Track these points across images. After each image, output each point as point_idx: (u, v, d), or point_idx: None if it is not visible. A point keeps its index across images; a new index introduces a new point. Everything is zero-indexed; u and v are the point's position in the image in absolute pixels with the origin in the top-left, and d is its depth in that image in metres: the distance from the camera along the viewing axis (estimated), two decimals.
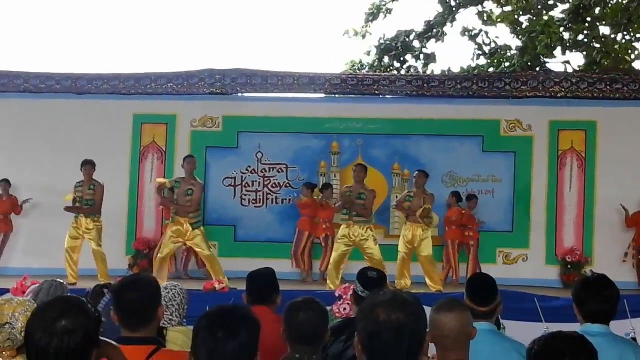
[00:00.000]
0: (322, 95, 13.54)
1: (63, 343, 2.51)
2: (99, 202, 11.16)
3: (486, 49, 19.23)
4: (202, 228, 10.73)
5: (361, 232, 10.54)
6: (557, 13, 18.38)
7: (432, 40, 18.97)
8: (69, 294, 4.29)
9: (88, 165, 11.12)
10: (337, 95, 13.73)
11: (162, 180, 11.22)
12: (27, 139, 12.94)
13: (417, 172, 11.21)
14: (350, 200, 10.58)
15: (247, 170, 13.05)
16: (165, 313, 3.99)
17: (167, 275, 10.71)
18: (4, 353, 3.16)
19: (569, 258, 12.34)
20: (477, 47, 19.17)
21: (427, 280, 10.85)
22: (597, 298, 3.84)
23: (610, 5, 17.64)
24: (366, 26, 19.22)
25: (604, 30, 18.08)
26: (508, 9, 19.05)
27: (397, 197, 12.20)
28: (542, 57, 17.98)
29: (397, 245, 10.94)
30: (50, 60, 32.72)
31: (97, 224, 11.05)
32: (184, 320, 4.50)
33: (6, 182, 12.55)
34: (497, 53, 19.06)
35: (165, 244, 10.63)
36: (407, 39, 18.87)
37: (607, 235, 12.36)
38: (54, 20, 33.08)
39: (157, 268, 10.61)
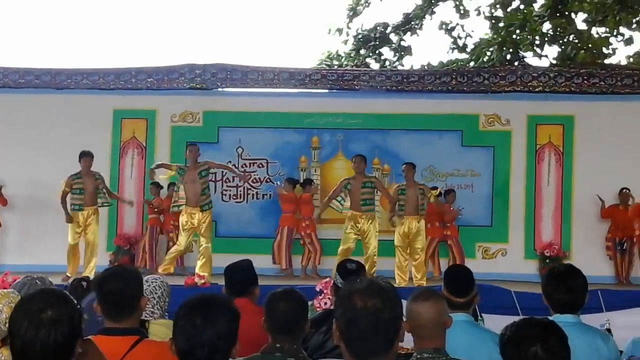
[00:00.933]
0: (303, 90, 13.56)
1: (50, 334, 2.55)
2: (109, 190, 11.25)
3: (461, 42, 19.37)
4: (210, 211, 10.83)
5: (367, 224, 10.79)
6: (536, 8, 18.54)
7: (409, 34, 19.11)
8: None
9: (87, 157, 10.98)
10: (316, 90, 13.75)
11: (164, 169, 11.17)
12: (7, 133, 12.88)
13: (405, 165, 11.30)
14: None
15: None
16: (147, 306, 4.02)
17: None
18: None
19: (547, 252, 12.42)
20: (452, 40, 19.31)
21: (414, 273, 10.94)
22: (564, 288, 3.89)
23: (587, 0, 17.80)
24: (348, 22, 19.34)
25: (581, 25, 18.24)
26: (485, 2, 19.20)
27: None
28: (520, 51, 18.13)
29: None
30: (29, 55, 32.50)
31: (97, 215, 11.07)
32: (166, 314, 4.52)
33: None
34: (477, 47, 19.19)
35: (181, 236, 10.79)
36: (384, 31, 18.97)
37: (585, 229, 12.46)
38: (33, 15, 32.86)
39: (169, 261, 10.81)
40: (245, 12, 34.45)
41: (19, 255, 12.27)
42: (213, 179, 12.92)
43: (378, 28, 18.95)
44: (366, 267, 10.45)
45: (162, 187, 12.50)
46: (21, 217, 12.71)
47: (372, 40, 18.85)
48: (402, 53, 19.03)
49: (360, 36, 19.07)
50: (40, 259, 11.66)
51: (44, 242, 12.27)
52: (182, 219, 10.73)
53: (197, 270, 10.40)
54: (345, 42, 19.46)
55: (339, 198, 11.10)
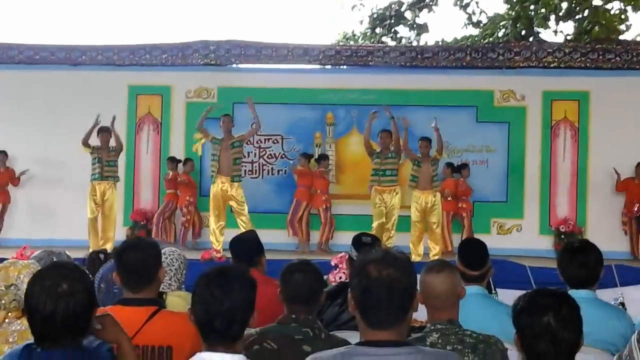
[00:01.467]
0: (317, 66, 13.55)
1: (69, 306, 2.61)
2: (120, 145, 11.22)
3: (475, 18, 19.23)
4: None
5: (390, 198, 10.85)
6: None
7: (425, 11, 18.99)
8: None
9: (105, 133, 11.01)
10: (331, 67, 13.74)
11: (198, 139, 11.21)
12: (22, 110, 12.96)
13: (421, 140, 11.27)
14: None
15: None
16: (164, 277, 4.06)
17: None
18: (9, 314, 3.25)
19: (562, 228, 12.44)
20: (467, 16, 19.18)
21: (431, 245, 10.97)
22: (579, 263, 3.93)
23: None
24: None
25: (596, 0, 18.08)
26: None
27: None
28: (534, 27, 17.99)
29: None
30: (44, 32, 32.54)
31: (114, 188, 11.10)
32: (183, 286, 4.57)
33: (3, 154, 12.62)
34: (491, 23, 19.05)
35: (213, 208, 10.79)
36: (399, 9, 18.86)
37: (601, 204, 12.45)
38: None
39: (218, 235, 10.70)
40: None
41: (34, 230, 12.33)
42: None
43: (393, 6, 18.84)
44: (382, 238, 10.58)
45: (179, 161, 12.58)
46: (36, 192, 12.82)
47: (387, 18, 18.73)
48: (419, 31, 18.91)
49: (375, 15, 18.95)
50: (55, 233, 11.74)
51: (58, 217, 12.39)
52: (213, 188, 10.76)
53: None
54: (361, 22, 19.35)
55: None
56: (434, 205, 10.98)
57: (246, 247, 5.00)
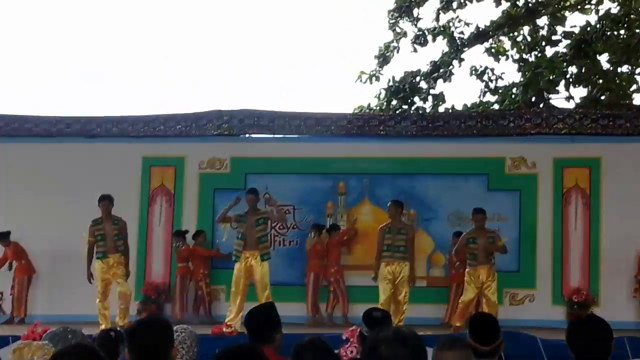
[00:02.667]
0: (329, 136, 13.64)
1: None
2: (126, 239, 10.99)
3: (492, 85, 19.47)
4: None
5: (399, 270, 10.61)
6: (560, 48, 18.63)
7: (440, 80, 19.21)
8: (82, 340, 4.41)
9: (106, 201, 10.87)
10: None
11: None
12: (37, 183, 13.00)
13: (475, 212, 11.05)
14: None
15: None
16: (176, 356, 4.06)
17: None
18: None
19: (575, 298, 12.21)
20: (484, 84, 19.41)
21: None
22: (588, 339, 3.86)
23: (611, 40, 17.84)
24: (379, 70, 19.48)
25: (605, 64, 18.29)
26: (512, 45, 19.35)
27: None
28: (545, 93, 18.16)
29: None
30: (59, 105, 33.04)
31: (123, 262, 10.87)
32: None
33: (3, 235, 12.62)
34: (503, 89, 19.27)
35: (237, 287, 10.58)
36: (414, 80, 19.08)
37: (614, 273, 12.29)
38: (64, 64, 33.48)
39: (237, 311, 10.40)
40: (276, 61, 34.75)
41: (48, 306, 12.32)
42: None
43: (407, 78, 19.08)
44: (398, 313, 10.47)
45: (186, 232, 12.63)
46: (51, 267, 12.78)
47: (402, 91, 18.96)
48: (436, 101, 19.11)
49: (391, 87, 19.18)
50: (69, 309, 11.67)
51: (72, 292, 12.26)
52: (239, 264, 10.56)
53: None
54: (378, 95, 19.53)
55: None
56: (488, 279, 10.84)
57: (262, 322, 4.83)
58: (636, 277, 12.17)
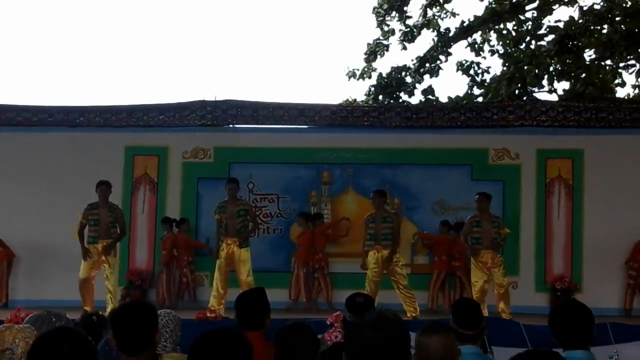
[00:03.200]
0: (312, 126, 13.66)
1: None
2: (122, 226, 10.86)
3: (479, 79, 19.56)
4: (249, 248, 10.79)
5: (386, 255, 10.59)
6: (544, 43, 18.70)
7: (427, 76, 19.27)
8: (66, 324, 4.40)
9: (103, 186, 10.69)
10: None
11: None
12: (20, 172, 12.99)
13: (478, 196, 10.98)
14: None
15: None
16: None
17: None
18: None
19: (558, 285, 12.41)
20: (470, 79, 19.49)
21: (501, 307, 10.65)
22: (570, 324, 3.90)
23: (595, 35, 17.95)
24: (368, 67, 19.54)
25: (589, 58, 18.39)
26: (496, 40, 19.43)
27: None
28: (528, 87, 18.26)
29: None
30: (42, 94, 32.84)
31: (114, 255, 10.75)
32: (178, 347, 4.57)
33: None
34: (489, 83, 19.36)
35: (220, 274, 10.66)
36: (400, 76, 19.14)
37: (596, 261, 12.44)
38: (46, 53, 33.25)
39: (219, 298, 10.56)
40: (265, 53, 34.68)
41: (30, 291, 12.30)
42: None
43: (394, 73, 19.12)
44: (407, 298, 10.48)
45: (174, 221, 12.64)
46: (32, 254, 12.77)
47: (390, 86, 19.00)
48: (425, 95, 19.16)
49: (381, 83, 19.22)
50: (51, 294, 11.66)
51: (54, 278, 12.30)
52: (222, 252, 10.66)
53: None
54: (368, 93, 19.54)
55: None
56: (495, 264, 10.75)
57: (251, 307, 4.84)
58: (627, 263, 12.27)
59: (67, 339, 2.69)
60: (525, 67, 18.15)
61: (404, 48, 19.35)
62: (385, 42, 19.47)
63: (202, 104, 13.30)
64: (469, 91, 19.59)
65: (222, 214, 10.71)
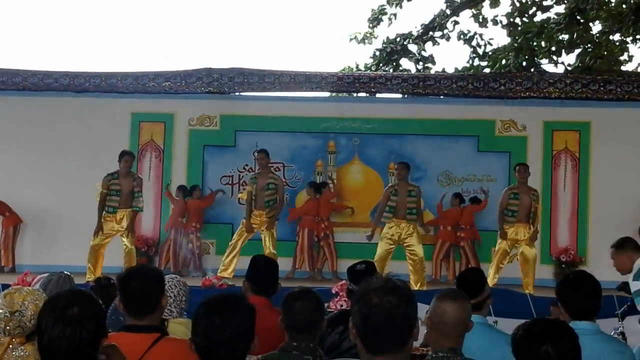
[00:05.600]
0: (319, 94, 13.62)
1: (76, 331, 2.64)
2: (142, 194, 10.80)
3: (481, 50, 19.42)
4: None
5: (406, 231, 10.56)
6: (552, 14, 18.55)
7: (429, 44, 19.14)
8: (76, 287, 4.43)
9: (127, 156, 10.56)
10: (333, 94, 13.83)
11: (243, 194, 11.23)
12: (26, 136, 13.03)
13: (518, 166, 10.85)
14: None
15: (244, 168, 13.14)
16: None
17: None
18: (13, 340, 3.27)
19: (563, 257, 12.45)
20: (472, 49, 19.36)
21: (526, 281, 10.60)
22: (579, 295, 3.91)
23: (604, 8, 17.79)
24: (371, 32, 19.41)
25: (597, 30, 18.24)
26: (503, 10, 19.25)
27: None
28: (536, 58, 18.13)
29: None
30: (48, 58, 32.77)
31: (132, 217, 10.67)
32: (185, 313, 4.58)
33: None
34: (493, 54, 19.22)
35: (236, 238, 10.92)
36: (404, 43, 19.01)
37: (602, 234, 12.37)
38: (52, 18, 33.15)
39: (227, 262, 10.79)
40: (269, 19, 34.50)
41: (36, 256, 12.36)
42: (230, 182, 13.04)
43: (398, 40, 18.99)
44: (417, 272, 10.48)
45: (191, 188, 12.70)
46: (39, 219, 12.83)
47: (394, 53, 18.88)
48: (425, 63, 19.04)
49: (385, 49, 19.10)
50: (57, 260, 11.68)
51: (60, 244, 12.38)
52: (247, 222, 10.89)
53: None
54: (375, 61, 19.38)
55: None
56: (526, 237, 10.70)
57: (263, 271, 4.92)
58: None
59: (77, 301, 2.71)
60: (534, 39, 18.01)
61: (400, 6, 19.11)
62: (393, 11, 19.31)
63: (209, 71, 13.26)
64: (471, 62, 19.45)
65: (253, 184, 10.77)
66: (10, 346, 3.26)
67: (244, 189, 11.99)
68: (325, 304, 5.91)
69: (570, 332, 2.76)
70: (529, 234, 10.65)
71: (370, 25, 19.47)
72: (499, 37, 33.40)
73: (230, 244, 11.01)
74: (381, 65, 18.84)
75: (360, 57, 19.88)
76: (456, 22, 19.03)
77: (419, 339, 3.43)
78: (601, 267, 11.69)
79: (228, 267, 10.81)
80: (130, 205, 10.61)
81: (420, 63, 19.13)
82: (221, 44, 32.39)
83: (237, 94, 13.53)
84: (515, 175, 10.90)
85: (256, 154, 10.94)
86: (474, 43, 19.34)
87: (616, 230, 12.17)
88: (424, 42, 19.10)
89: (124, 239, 10.57)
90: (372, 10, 19.41)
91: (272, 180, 10.82)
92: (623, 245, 6.02)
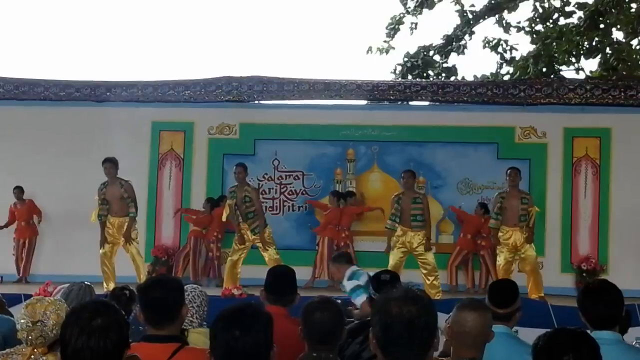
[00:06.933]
0: (338, 102, 13.62)
1: (100, 342, 2.64)
2: (134, 199, 10.81)
3: (508, 56, 19.40)
4: (267, 229, 10.91)
5: (416, 239, 10.52)
6: (574, 19, 18.50)
7: (453, 54, 19.14)
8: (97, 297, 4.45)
9: (108, 163, 10.62)
10: (352, 102, 13.82)
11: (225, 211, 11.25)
12: (47, 146, 13.09)
13: (510, 170, 10.75)
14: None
15: (263, 177, 13.17)
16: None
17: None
18: (35, 350, 3.29)
19: (584, 266, 12.32)
20: (499, 55, 19.33)
21: (530, 287, 10.59)
22: (600, 304, 3.86)
23: (625, 12, 17.71)
24: (388, 42, 19.42)
25: (618, 35, 18.17)
26: (525, 16, 19.22)
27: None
28: (555, 64, 18.07)
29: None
30: (70, 68, 32.99)
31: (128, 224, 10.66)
32: (204, 323, 4.59)
33: (19, 189, 12.66)
34: (514, 60, 19.20)
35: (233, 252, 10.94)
36: (427, 55, 19.01)
37: (623, 242, 12.33)
38: (75, 28, 33.38)
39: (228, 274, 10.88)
40: (289, 33, 34.61)
41: (54, 266, 12.38)
42: None
43: (420, 53, 19.00)
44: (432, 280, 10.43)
45: (218, 199, 12.66)
46: (58, 228, 12.88)
47: (417, 68, 18.88)
48: (448, 74, 19.03)
49: (407, 63, 19.10)
50: (75, 270, 11.69)
51: (79, 253, 12.38)
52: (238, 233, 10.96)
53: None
54: (394, 71, 19.37)
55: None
56: (524, 243, 10.58)
57: (280, 282, 4.94)
58: None
59: (101, 312, 2.72)
60: (554, 44, 17.96)
61: (419, 12, 19.10)
62: (413, 20, 19.33)
63: (228, 79, 13.30)
64: (499, 69, 19.43)
65: (233, 199, 10.80)
66: (32, 356, 3.28)
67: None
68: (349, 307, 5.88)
69: (591, 342, 2.74)
70: (525, 237, 10.57)
71: (389, 34, 19.46)
72: (524, 43, 33.25)
73: (229, 259, 11.03)
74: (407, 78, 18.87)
75: (382, 72, 19.93)
76: (472, 33, 19.02)
77: (439, 349, 3.42)
78: (622, 276, 11.69)
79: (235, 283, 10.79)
80: (126, 212, 10.70)
81: (443, 75, 19.13)
82: (241, 53, 32.48)
83: (256, 102, 13.56)
84: (506, 179, 10.82)
85: (235, 167, 10.90)
86: (499, 49, 19.34)
87: (637, 238, 12.19)
88: (447, 54, 19.11)
89: (127, 247, 10.71)
90: (390, 18, 19.42)
91: (247, 193, 10.78)
92: None
